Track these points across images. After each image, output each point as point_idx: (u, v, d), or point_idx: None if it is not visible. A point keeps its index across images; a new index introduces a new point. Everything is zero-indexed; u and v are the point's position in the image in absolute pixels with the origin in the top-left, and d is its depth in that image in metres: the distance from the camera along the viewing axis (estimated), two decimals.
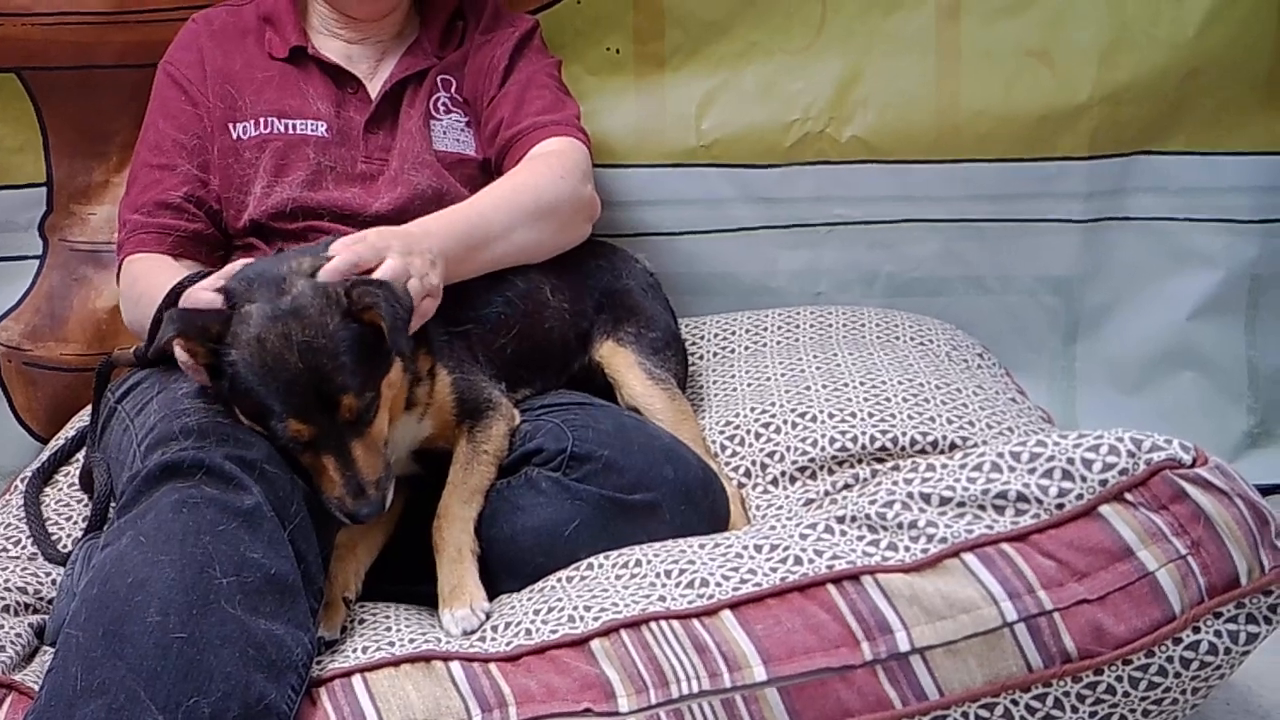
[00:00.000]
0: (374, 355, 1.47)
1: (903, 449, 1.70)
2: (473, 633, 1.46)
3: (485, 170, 1.99)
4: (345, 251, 1.52)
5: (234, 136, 1.93)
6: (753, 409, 1.85)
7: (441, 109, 1.98)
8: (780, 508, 1.70)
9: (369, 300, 1.45)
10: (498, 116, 1.96)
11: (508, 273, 1.78)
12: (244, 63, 1.97)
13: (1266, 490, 2.33)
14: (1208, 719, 1.73)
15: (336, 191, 1.89)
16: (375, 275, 1.50)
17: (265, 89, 1.95)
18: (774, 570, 1.40)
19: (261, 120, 1.93)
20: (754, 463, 1.77)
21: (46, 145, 2.24)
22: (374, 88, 1.97)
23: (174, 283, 1.64)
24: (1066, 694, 1.32)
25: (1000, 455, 1.43)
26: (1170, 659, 1.32)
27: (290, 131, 1.92)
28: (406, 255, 1.55)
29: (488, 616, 1.48)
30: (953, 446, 1.69)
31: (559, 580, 1.52)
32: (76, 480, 1.88)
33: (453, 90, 2.00)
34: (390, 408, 1.52)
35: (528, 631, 1.41)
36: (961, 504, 1.41)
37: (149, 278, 1.81)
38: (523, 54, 2.02)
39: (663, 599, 1.40)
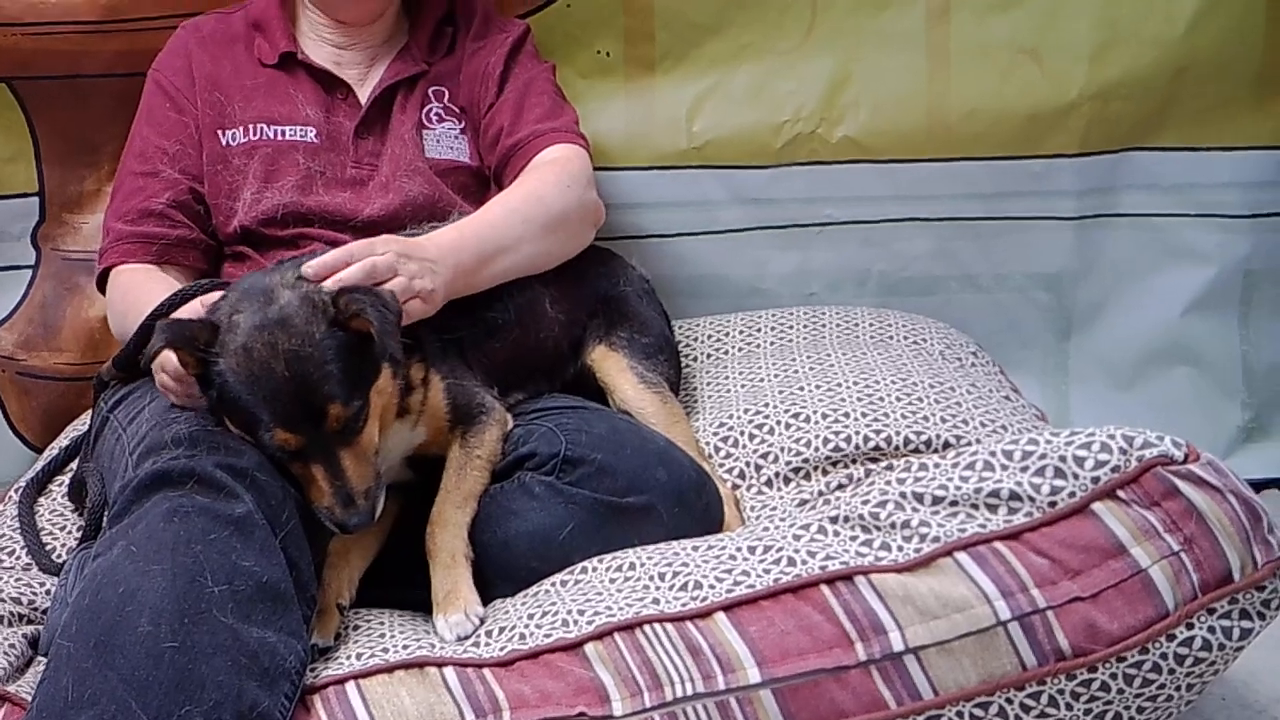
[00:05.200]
0: (362, 364, 1.47)
1: (896, 448, 1.70)
2: (467, 638, 1.45)
3: (479, 177, 1.99)
4: (356, 266, 1.51)
5: (223, 143, 1.93)
6: (746, 410, 1.85)
7: (435, 119, 1.98)
8: (774, 509, 1.70)
9: (356, 308, 1.45)
10: (497, 125, 1.95)
11: (508, 282, 1.78)
12: (233, 69, 1.97)
13: (1260, 485, 2.33)
14: (1203, 715, 1.73)
15: (327, 197, 1.89)
16: (357, 266, 1.51)
17: (254, 96, 1.94)
18: (767, 572, 1.40)
19: (250, 127, 1.92)
20: (748, 464, 1.77)
21: (38, 154, 2.23)
22: (364, 93, 1.97)
23: (163, 297, 1.65)
24: (1061, 692, 1.32)
25: (993, 454, 1.43)
26: (1164, 656, 1.32)
27: (279, 138, 1.92)
28: (400, 257, 1.55)
29: (482, 621, 1.48)
30: (946, 445, 1.69)
31: (553, 584, 1.52)
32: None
33: (445, 100, 1.99)
34: (381, 416, 1.51)
35: (521, 636, 1.41)
36: (954, 503, 1.41)
37: (136, 290, 1.81)
38: (517, 60, 2.02)
39: (656, 602, 1.40)
